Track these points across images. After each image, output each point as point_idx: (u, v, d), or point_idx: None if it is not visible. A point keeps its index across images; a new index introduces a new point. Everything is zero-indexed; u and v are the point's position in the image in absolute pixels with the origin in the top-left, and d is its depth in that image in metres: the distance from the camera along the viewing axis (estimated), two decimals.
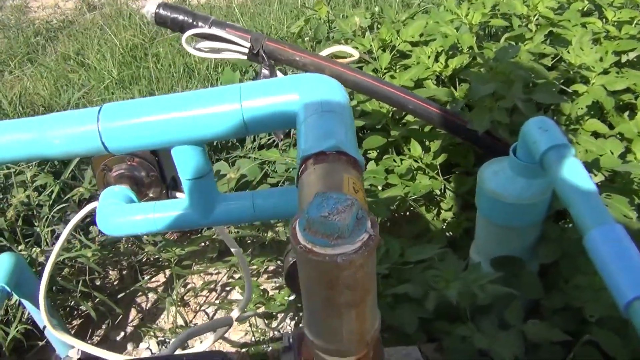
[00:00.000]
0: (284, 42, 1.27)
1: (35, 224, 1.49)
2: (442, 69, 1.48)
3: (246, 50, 1.22)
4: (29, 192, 1.38)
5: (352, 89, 1.29)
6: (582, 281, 1.01)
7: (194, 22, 1.22)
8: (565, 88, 1.37)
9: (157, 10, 1.22)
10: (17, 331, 1.34)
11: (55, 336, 1.28)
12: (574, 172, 0.85)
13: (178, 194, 0.88)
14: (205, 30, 1.21)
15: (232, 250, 0.92)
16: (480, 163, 1.16)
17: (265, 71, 1.20)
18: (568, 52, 1.37)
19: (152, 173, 0.84)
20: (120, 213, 0.78)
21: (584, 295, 1.00)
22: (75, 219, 0.89)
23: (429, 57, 1.52)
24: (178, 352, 0.70)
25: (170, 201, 0.78)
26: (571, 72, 1.39)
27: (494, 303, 1.07)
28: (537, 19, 1.56)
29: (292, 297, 1.15)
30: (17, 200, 1.33)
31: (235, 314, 0.98)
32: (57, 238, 1.50)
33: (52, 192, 1.51)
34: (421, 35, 1.69)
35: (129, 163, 0.83)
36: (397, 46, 1.64)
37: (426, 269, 1.05)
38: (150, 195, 0.87)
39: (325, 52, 1.36)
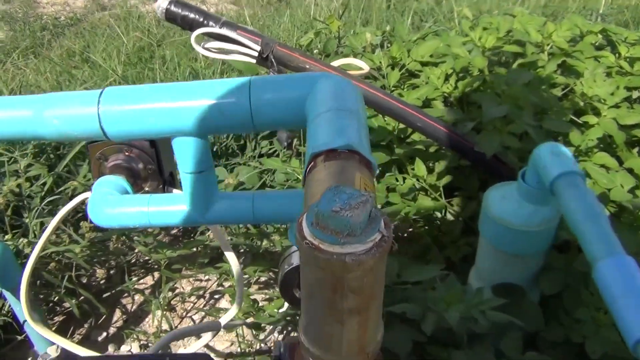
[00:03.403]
0: (295, 48, 1.25)
1: (25, 215, 1.45)
2: (451, 90, 1.46)
3: (256, 54, 1.19)
4: (20, 181, 1.34)
5: None
6: (585, 315, 0.98)
7: (205, 21, 1.20)
8: (575, 119, 1.35)
9: (169, 7, 1.20)
10: None
11: (36, 331, 1.24)
12: (585, 200, 0.83)
13: (175, 191, 0.85)
14: (216, 30, 1.19)
15: (225, 253, 0.88)
16: (484, 187, 1.13)
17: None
18: (581, 83, 1.36)
19: (149, 166, 0.81)
20: (114, 203, 0.75)
21: (586, 330, 0.97)
22: (66, 208, 0.86)
23: (439, 77, 1.50)
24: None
25: (167, 195, 0.75)
26: (582, 104, 1.37)
27: (492, 331, 1.04)
28: (550, 48, 1.55)
29: (282, 310, 1.11)
30: (7, 188, 1.29)
31: (224, 319, 0.95)
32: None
33: (44, 183, 1.48)
34: (431, 56, 1.68)
35: (127, 154, 0.80)
36: (406, 65, 1.63)
37: (427, 290, 1.01)
38: (147, 189, 0.83)
39: (335, 63, 1.34)
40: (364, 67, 1.35)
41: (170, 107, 0.62)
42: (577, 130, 1.30)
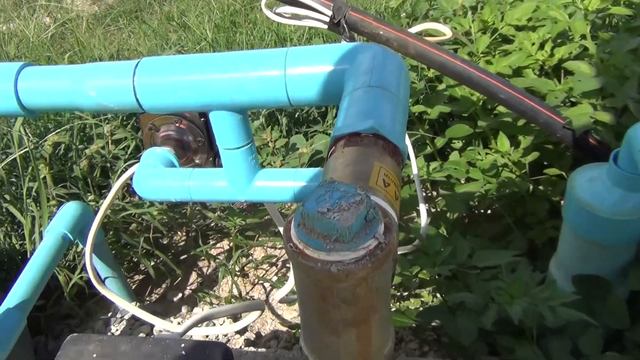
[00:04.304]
0: (368, 13, 1.17)
1: (111, 176, 1.51)
2: (545, 57, 1.32)
3: (327, 19, 1.14)
4: (102, 143, 1.39)
5: (438, 71, 1.18)
6: None
7: None
8: None
9: None
10: (81, 278, 1.36)
11: (115, 287, 1.30)
12: None
13: None
14: None
15: (279, 227, 0.86)
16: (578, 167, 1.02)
17: (344, 43, 1.12)
18: None
19: (199, 138, 0.79)
20: (158, 176, 0.74)
21: None
22: (131, 170, 0.85)
23: (533, 43, 1.36)
24: (189, 333, 0.66)
25: (208, 170, 0.73)
26: None
27: (569, 326, 0.95)
28: None
29: None
30: (90, 151, 1.34)
31: (279, 294, 0.93)
32: (126, 192, 1.52)
33: (128, 146, 1.53)
34: (530, 20, 1.53)
35: (177, 125, 0.79)
36: (499, 29, 1.49)
37: (492, 279, 0.94)
38: (197, 161, 0.82)
39: (415, 29, 1.25)
40: (447, 32, 1.25)
41: (202, 80, 0.59)
42: None
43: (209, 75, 0.59)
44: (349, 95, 0.51)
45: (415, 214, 1.49)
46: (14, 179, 1.45)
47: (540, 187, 1.30)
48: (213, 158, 0.82)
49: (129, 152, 1.54)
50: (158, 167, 0.76)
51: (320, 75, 0.57)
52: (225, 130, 0.64)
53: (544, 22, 1.48)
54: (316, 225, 0.32)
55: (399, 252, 1.15)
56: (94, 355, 0.51)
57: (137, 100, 0.61)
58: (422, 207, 1.05)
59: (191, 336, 0.90)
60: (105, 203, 0.88)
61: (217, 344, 0.51)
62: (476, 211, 1.49)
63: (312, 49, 0.58)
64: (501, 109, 1.36)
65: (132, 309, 0.93)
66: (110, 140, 1.50)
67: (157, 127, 0.80)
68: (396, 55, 0.57)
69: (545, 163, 1.36)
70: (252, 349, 1.19)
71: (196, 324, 0.64)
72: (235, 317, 1.17)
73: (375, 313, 0.35)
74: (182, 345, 0.52)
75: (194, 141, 0.80)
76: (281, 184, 0.68)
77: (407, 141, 1.11)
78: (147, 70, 0.61)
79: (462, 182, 1.37)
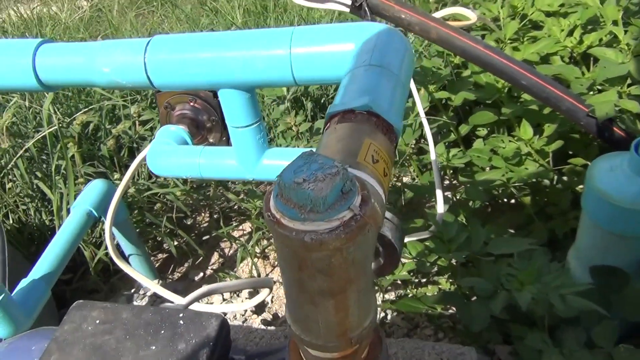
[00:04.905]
0: None
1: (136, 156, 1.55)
2: (574, 44, 1.29)
3: (349, 2, 1.13)
4: (129, 124, 1.43)
5: (460, 56, 1.17)
6: None
7: None
8: None
9: None
10: (106, 254, 1.40)
11: (139, 264, 1.33)
12: None
13: None
14: None
15: None
16: None
17: (350, 23, 1.11)
18: None
19: (213, 117, 0.81)
20: (170, 154, 0.76)
21: None
22: (146, 151, 0.88)
23: (562, 30, 1.33)
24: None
25: (218, 148, 0.74)
26: None
27: (584, 317, 0.93)
28: None
29: None
30: (116, 131, 1.37)
31: None
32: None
33: (154, 127, 1.55)
34: (562, 5, 1.49)
35: (192, 104, 0.80)
36: (529, 15, 1.46)
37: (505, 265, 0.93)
38: (211, 140, 0.83)
39: (439, 14, 1.23)
40: (471, 16, 1.22)
41: (210, 57, 0.60)
42: None
43: (216, 53, 0.60)
44: (350, 73, 0.51)
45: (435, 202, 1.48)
46: (44, 157, 1.50)
47: (565, 178, 1.28)
48: (227, 137, 0.83)
49: (155, 132, 1.57)
50: (171, 145, 0.78)
51: (325, 55, 0.57)
52: (234, 109, 0.65)
53: (576, 8, 1.44)
54: (292, 195, 0.32)
55: (415, 238, 1.15)
56: (97, 322, 0.53)
57: (148, 77, 0.63)
58: (439, 193, 1.05)
59: None
60: (125, 178, 0.90)
61: (214, 315, 0.53)
62: (499, 201, 1.48)
63: (317, 28, 0.58)
64: (527, 96, 1.33)
65: (147, 282, 0.96)
66: (137, 121, 1.53)
67: (172, 105, 0.82)
68: (401, 35, 0.57)
69: (570, 153, 1.34)
70: (261, 326, 1.21)
71: (200, 297, 0.65)
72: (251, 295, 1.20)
73: (352, 284, 0.36)
74: (181, 315, 0.53)
75: (208, 120, 0.81)
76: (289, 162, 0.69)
77: (426, 126, 1.10)
78: (158, 48, 0.62)
79: (487, 170, 1.36)
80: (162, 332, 0.51)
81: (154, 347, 0.50)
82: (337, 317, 0.37)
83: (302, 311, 0.38)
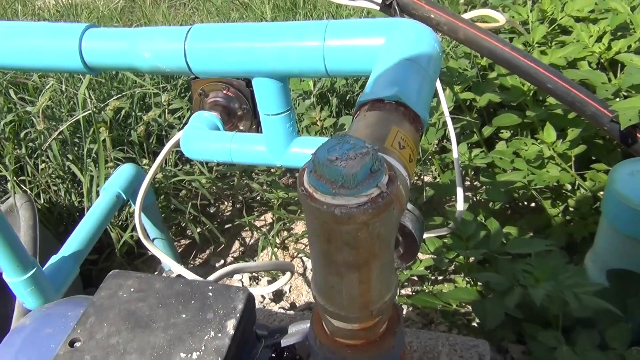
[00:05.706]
0: None
1: (165, 144, 1.59)
2: (602, 50, 1.30)
3: (380, 0, 1.16)
4: (159, 112, 1.47)
5: (487, 58, 1.18)
6: None
7: None
8: None
9: None
10: (131, 237, 1.45)
11: (162, 248, 1.37)
12: None
13: None
14: None
15: None
16: None
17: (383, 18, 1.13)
18: None
19: (244, 106, 0.84)
20: (203, 138, 0.79)
21: None
22: (179, 134, 0.90)
23: (591, 36, 1.34)
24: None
25: (248, 135, 0.77)
26: None
27: (598, 319, 0.95)
28: None
29: None
30: (147, 118, 1.42)
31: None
32: (178, 159, 1.59)
33: (183, 116, 1.59)
34: (592, 11, 1.50)
35: (224, 92, 0.83)
36: (558, 20, 1.47)
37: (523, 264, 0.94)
38: (241, 128, 0.86)
39: (468, 15, 1.25)
40: (500, 19, 1.24)
41: (246, 47, 0.63)
42: None
43: (252, 43, 0.63)
44: (380, 65, 0.54)
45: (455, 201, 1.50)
46: (76, 140, 1.55)
47: (586, 182, 1.29)
48: (256, 126, 0.86)
49: (183, 121, 1.61)
50: (204, 129, 0.81)
51: (356, 48, 0.60)
52: (267, 97, 0.68)
53: (606, 14, 1.45)
54: (325, 171, 0.35)
55: (434, 235, 1.16)
56: (132, 290, 0.56)
57: (187, 63, 0.66)
58: (460, 191, 1.06)
59: None
60: (155, 163, 0.94)
61: (240, 289, 0.56)
62: (520, 203, 1.49)
63: (350, 22, 0.61)
64: (552, 100, 1.34)
65: (173, 264, 0.99)
66: (167, 109, 1.57)
67: (206, 92, 0.85)
68: (431, 32, 0.59)
69: (593, 158, 1.35)
70: (282, 310, 1.24)
71: (226, 275, 0.68)
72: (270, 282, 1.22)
73: (375, 259, 0.38)
74: (210, 287, 0.56)
75: (240, 108, 0.84)
76: None
77: (450, 125, 1.12)
78: (198, 36, 0.65)
79: (509, 172, 1.37)
80: (192, 302, 0.54)
81: (184, 316, 0.53)
82: (360, 289, 0.40)
83: (327, 282, 0.40)
